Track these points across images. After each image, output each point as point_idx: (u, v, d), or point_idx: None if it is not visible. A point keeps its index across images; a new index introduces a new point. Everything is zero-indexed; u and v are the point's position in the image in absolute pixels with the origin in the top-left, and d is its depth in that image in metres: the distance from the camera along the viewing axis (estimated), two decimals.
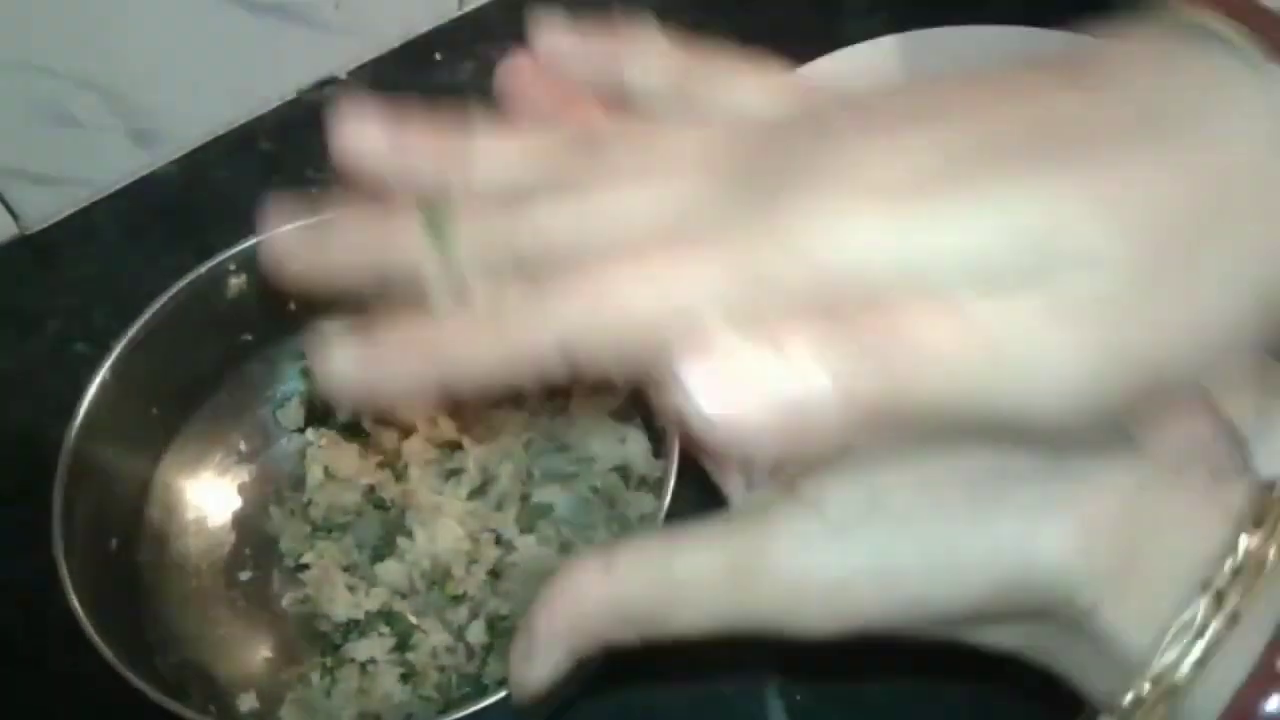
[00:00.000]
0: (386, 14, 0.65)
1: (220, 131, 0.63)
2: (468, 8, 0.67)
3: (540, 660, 0.28)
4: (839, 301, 0.23)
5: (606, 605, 0.27)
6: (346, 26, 0.63)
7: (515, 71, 0.31)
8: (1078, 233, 0.22)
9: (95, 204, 0.62)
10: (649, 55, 0.29)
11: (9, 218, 0.60)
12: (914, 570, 0.26)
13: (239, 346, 0.52)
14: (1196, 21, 0.24)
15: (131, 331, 0.47)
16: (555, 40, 0.30)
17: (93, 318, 0.58)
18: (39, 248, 0.61)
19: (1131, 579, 0.25)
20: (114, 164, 0.62)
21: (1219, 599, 0.24)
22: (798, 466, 0.27)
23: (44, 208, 0.61)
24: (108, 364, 0.47)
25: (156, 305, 0.48)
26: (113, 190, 0.62)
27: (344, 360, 0.26)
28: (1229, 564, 0.24)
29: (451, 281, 0.26)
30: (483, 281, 0.25)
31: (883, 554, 0.26)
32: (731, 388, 0.22)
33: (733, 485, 0.33)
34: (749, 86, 0.28)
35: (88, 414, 0.46)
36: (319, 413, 0.52)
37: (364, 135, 0.28)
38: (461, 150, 0.28)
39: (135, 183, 0.62)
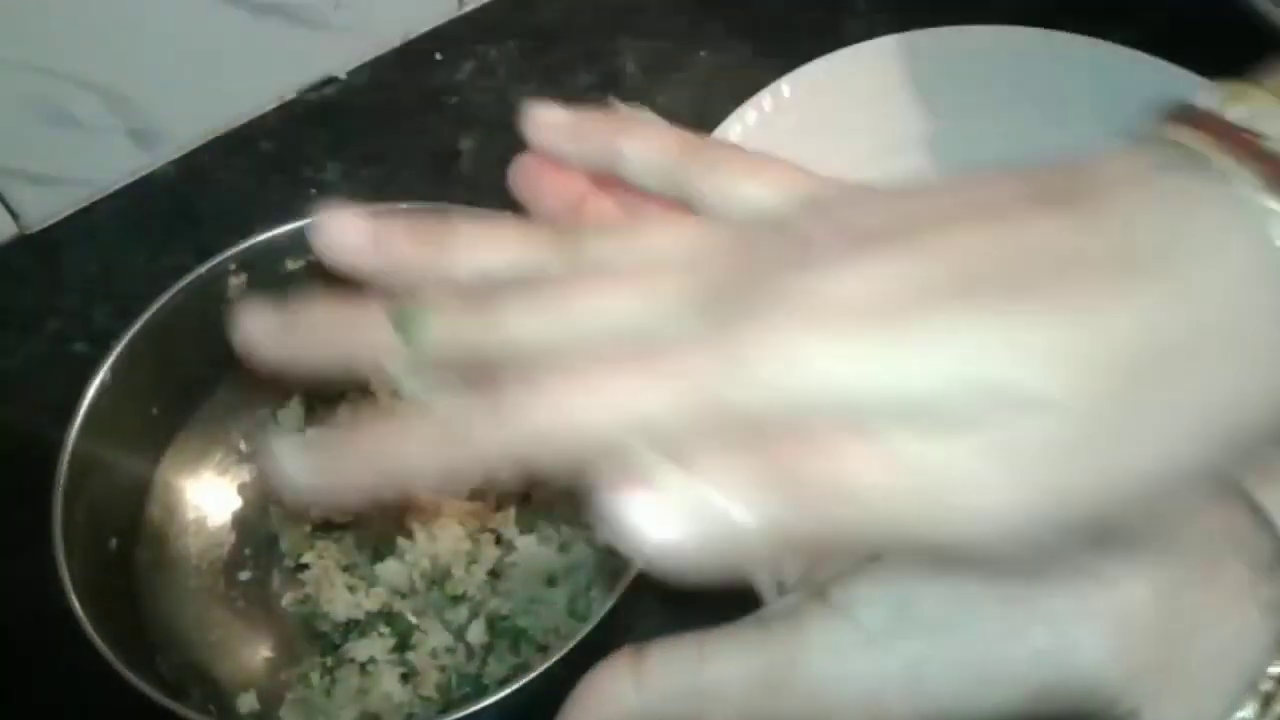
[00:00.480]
0: (386, 14, 0.65)
1: (220, 131, 0.63)
2: (468, 8, 0.67)
3: None
4: (778, 428, 0.22)
5: (637, 710, 0.27)
6: (346, 26, 0.63)
7: (523, 170, 0.31)
8: (1028, 378, 0.22)
9: (95, 204, 0.62)
10: (645, 143, 0.28)
11: (9, 218, 0.60)
12: (947, 681, 0.26)
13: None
14: (1191, 147, 0.23)
15: (131, 332, 0.47)
16: (549, 125, 0.29)
17: (93, 318, 0.58)
18: (39, 248, 0.61)
19: (1174, 681, 0.25)
20: (114, 164, 0.62)
21: (1267, 702, 0.24)
22: (827, 571, 0.27)
23: (44, 208, 0.61)
24: (108, 364, 0.47)
25: (157, 305, 0.48)
26: (113, 190, 0.62)
27: (296, 467, 0.26)
28: (1276, 668, 0.24)
29: (414, 379, 0.26)
30: (445, 379, 0.26)
31: (915, 664, 0.26)
32: (658, 515, 0.22)
33: (763, 586, 0.33)
34: (743, 178, 0.28)
35: (88, 414, 0.46)
36: (319, 413, 0.52)
37: (346, 234, 0.28)
38: (444, 244, 0.28)
39: (135, 183, 0.62)
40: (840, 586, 0.27)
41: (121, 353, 0.47)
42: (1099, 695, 0.25)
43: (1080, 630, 0.25)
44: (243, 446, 0.53)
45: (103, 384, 0.46)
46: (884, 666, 0.26)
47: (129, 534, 0.49)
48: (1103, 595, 0.25)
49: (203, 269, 0.49)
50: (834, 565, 0.27)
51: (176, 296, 0.48)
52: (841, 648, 0.26)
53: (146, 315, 0.48)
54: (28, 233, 0.61)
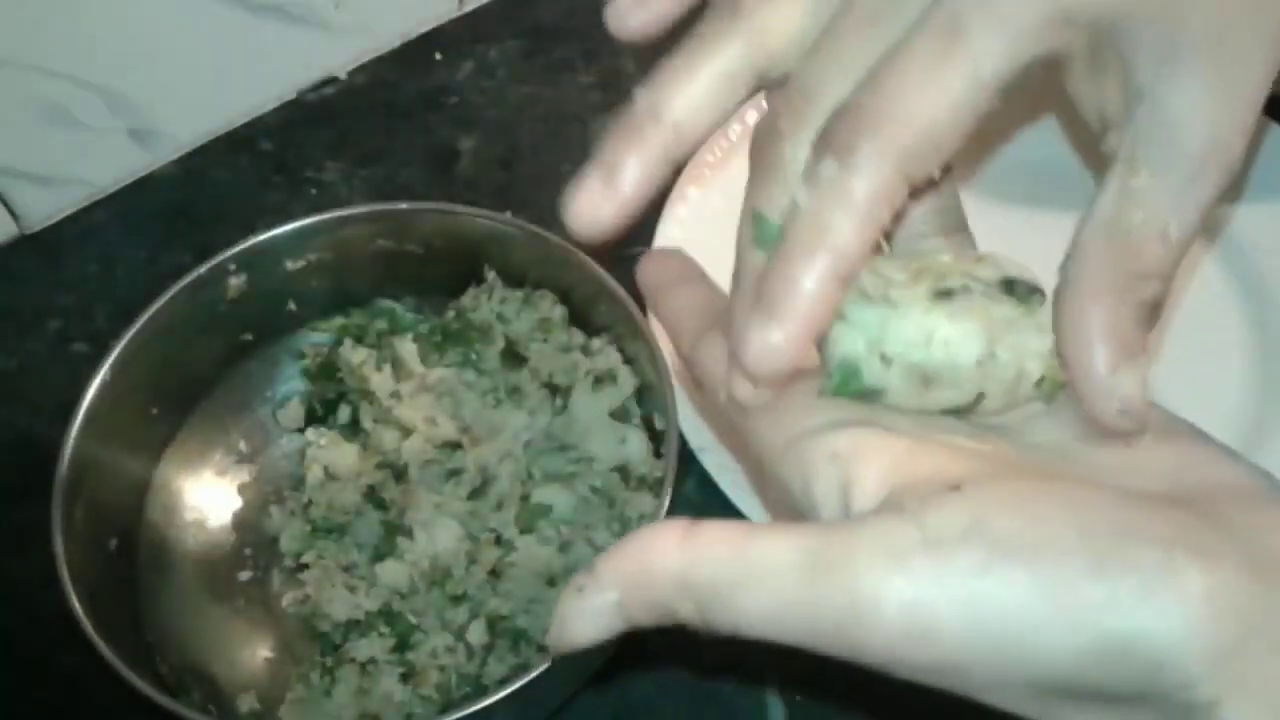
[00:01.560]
0: (386, 14, 0.65)
1: (220, 131, 0.63)
2: (468, 8, 0.67)
3: (592, 611, 0.27)
4: None
5: (676, 569, 0.26)
6: (346, 26, 0.63)
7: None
8: None
9: (95, 204, 0.62)
10: None
11: (9, 218, 0.60)
12: (1010, 607, 0.24)
13: (239, 346, 0.52)
14: None
15: (131, 331, 0.47)
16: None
17: (93, 318, 0.58)
18: (39, 248, 0.61)
19: (1265, 680, 0.23)
20: (114, 164, 0.62)
21: None
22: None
23: (44, 208, 0.61)
24: (108, 364, 0.47)
25: (157, 305, 0.48)
26: (113, 190, 0.62)
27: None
28: None
29: None
30: None
31: (976, 575, 0.24)
32: None
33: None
34: None
35: (87, 414, 0.46)
36: (319, 413, 0.52)
37: None
38: None
39: (135, 183, 0.62)
40: (916, 500, 0.25)
41: (121, 353, 0.47)
42: (1171, 671, 0.23)
43: (1167, 589, 0.23)
44: (243, 446, 0.53)
45: (103, 384, 0.46)
46: (940, 571, 0.24)
47: (129, 534, 0.49)
48: (1197, 563, 0.23)
49: (203, 269, 0.49)
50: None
51: (176, 296, 0.48)
52: (898, 545, 0.24)
53: (146, 315, 0.48)
54: (28, 233, 0.61)
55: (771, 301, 0.28)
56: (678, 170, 0.31)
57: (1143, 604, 0.23)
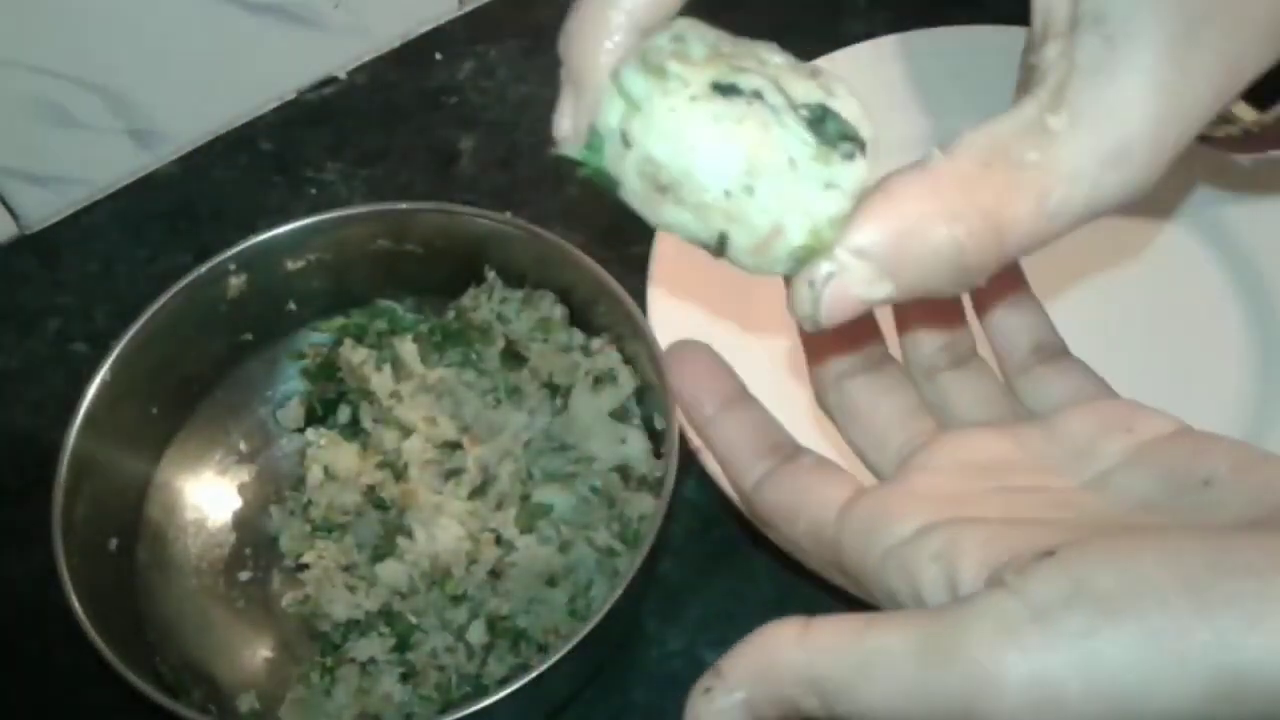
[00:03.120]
0: (386, 14, 0.65)
1: (220, 131, 0.64)
2: (468, 8, 0.67)
3: (722, 712, 0.27)
4: None
5: (800, 665, 0.27)
6: (346, 26, 0.63)
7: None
8: None
9: (95, 204, 0.62)
10: None
11: (9, 218, 0.60)
12: (1125, 662, 0.24)
13: (239, 346, 0.52)
14: None
15: (131, 331, 0.47)
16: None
17: (93, 318, 0.58)
18: (39, 248, 0.61)
19: None
20: (114, 164, 0.62)
21: None
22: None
23: (44, 208, 0.61)
24: (108, 364, 0.47)
25: (157, 305, 0.48)
26: (113, 190, 0.62)
27: None
28: None
29: None
30: None
31: (1089, 638, 0.24)
32: None
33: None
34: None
35: (87, 414, 0.46)
36: (319, 413, 0.52)
37: None
38: None
39: (135, 183, 0.62)
40: (1016, 573, 0.25)
41: (121, 352, 0.47)
42: None
43: (1269, 615, 0.23)
44: (243, 446, 0.53)
45: (102, 384, 0.46)
46: (1054, 640, 0.24)
47: (129, 534, 0.49)
48: None
49: (203, 269, 0.49)
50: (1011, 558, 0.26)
51: (176, 296, 0.48)
52: (1010, 622, 0.25)
53: (146, 315, 0.48)
54: (28, 233, 0.61)
55: (564, 33, 0.28)
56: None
57: (1249, 635, 0.23)
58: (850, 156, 0.24)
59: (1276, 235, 0.57)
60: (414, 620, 0.47)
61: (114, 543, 0.47)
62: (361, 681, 0.47)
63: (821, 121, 0.24)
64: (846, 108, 0.25)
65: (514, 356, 0.51)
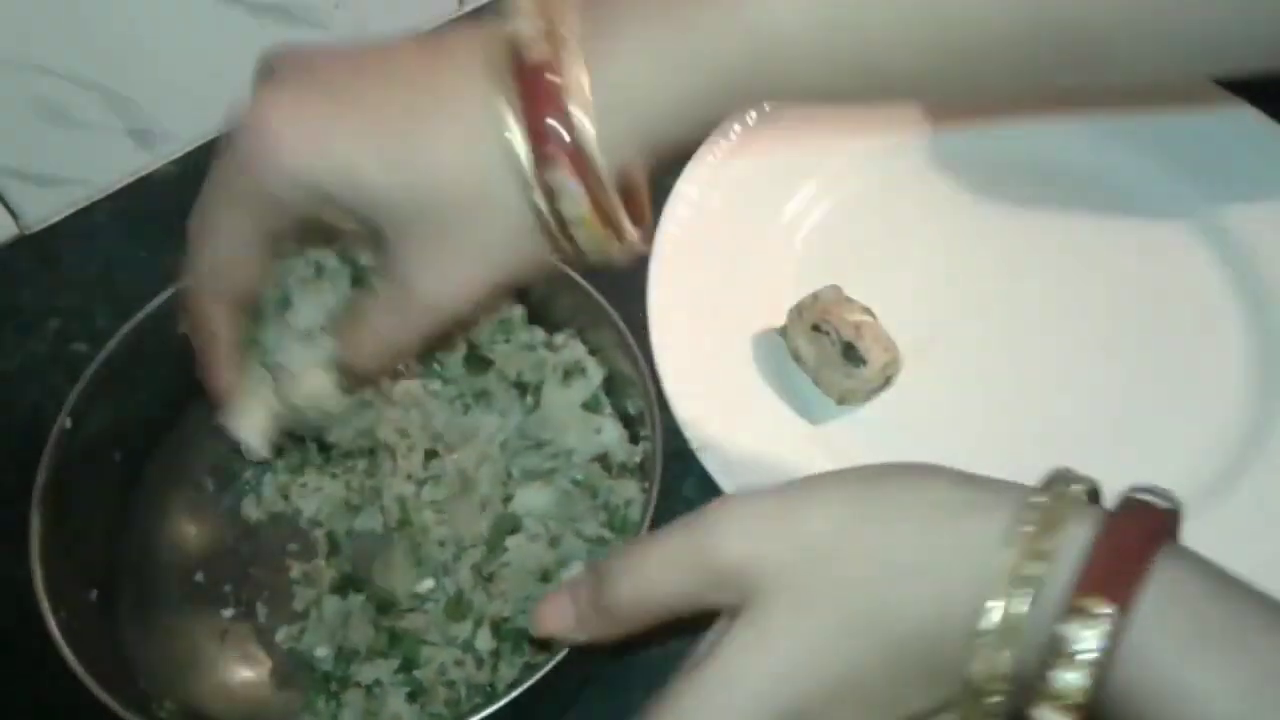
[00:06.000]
0: (386, 14, 0.65)
1: (220, 131, 0.63)
2: (467, 8, 0.67)
3: None
4: None
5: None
6: (346, 26, 0.63)
7: None
8: None
9: (95, 204, 0.62)
10: None
11: (9, 218, 0.60)
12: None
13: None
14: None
15: (127, 329, 0.47)
16: None
17: (93, 318, 0.58)
18: (39, 248, 0.61)
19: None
20: (114, 164, 0.62)
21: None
22: None
23: (44, 208, 0.61)
24: (101, 359, 0.47)
25: (156, 305, 0.48)
26: (113, 190, 0.62)
27: None
28: None
29: None
30: None
31: None
32: None
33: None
34: None
35: (52, 466, 0.45)
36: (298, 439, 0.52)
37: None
38: None
39: (135, 183, 0.62)
40: None
41: (119, 351, 0.47)
42: None
43: None
44: (220, 476, 0.52)
45: (60, 431, 0.46)
46: None
47: (106, 582, 0.47)
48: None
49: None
50: None
51: (176, 296, 0.48)
52: None
53: (144, 315, 0.48)
54: (28, 233, 0.61)
55: None
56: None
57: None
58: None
59: (1277, 235, 0.57)
60: (419, 638, 0.47)
61: (94, 594, 0.46)
62: (368, 704, 0.46)
63: None
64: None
65: (478, 360, 0.51)
